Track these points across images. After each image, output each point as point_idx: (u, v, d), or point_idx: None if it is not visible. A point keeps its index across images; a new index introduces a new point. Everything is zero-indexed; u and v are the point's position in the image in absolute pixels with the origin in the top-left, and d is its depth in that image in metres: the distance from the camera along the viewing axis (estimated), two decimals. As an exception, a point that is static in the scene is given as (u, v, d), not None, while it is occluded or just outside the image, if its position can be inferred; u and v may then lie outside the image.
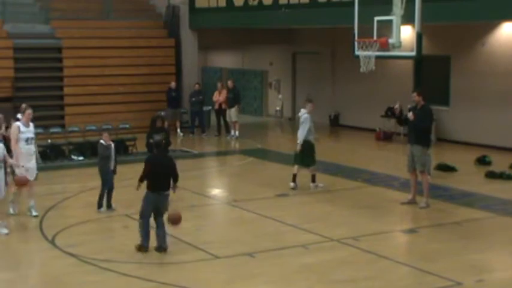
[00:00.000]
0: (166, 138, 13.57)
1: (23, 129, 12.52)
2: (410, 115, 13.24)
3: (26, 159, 12.48)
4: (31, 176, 12.58)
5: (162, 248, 10.63)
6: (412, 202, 13.43)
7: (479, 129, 19.96)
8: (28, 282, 9.82)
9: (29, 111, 12.72)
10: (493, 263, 10.53)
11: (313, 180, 15.04)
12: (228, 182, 16.69)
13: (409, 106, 14.69)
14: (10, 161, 11.93)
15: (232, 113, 22.19)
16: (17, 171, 12.28)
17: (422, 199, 13.32)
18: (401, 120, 16.65)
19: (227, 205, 14.00)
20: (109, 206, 13.12)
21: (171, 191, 10.84)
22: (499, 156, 17.92)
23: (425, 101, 13.30)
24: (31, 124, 12.75)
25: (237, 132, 22.12)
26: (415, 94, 13.31)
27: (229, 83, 22.87)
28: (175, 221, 10.63)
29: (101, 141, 13.15)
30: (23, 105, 13.07)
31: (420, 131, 13.18)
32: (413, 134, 13.32)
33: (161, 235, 10.67)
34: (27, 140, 12.50)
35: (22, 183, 12.07)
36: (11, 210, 12.62)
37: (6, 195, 12.14)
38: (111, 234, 11.76)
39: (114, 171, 13.11)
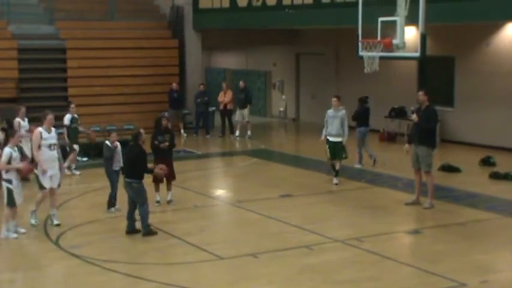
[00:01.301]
0: (171, 140, 13.53)
1: (45, 135, 12.06)
2: (414, 117, 13.24)
3: (50, 166, 12.03)
4: (54, 184, 12.16)
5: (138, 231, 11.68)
6: (416, 203, 13.42)
7: (484, 130, 19.92)
8: (32, 283, 9.82)
9: (51, 116, 12.22)
10: (498, 264, 10.51)
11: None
12: (232, 182, 16.68)
13: (412, 108, 14.69)
14: (17, 166, 11.57)
15: (244, 113, 22.39)
16: (41, 178, 11.99)
17: (426, 200, 13.31)
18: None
19: (231, 206, 14.00)
20: (113, 205, 13.14)
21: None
22: (503, 157, 17.89)
23: (430, 102, 13.28)
24: (53, 129, 12.30)
25: (249, 132, 22.32)
26: (421, 93, 13.24)
27: (241, 84, 23.06)
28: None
29: (106, 142, 13.16)
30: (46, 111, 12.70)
31: (425, 131, 13.15)
32: (418, 135, 13.28)
33: (141, 218, 11.60)
34: (50, 146, 12.05)
35: (27, 171, 11.89)
36: (33, 221, 12.15)
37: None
38: (115, 234, 11.76)
39: (122, 172, 13.12)
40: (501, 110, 19.46)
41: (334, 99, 15.68)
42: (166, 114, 22.68)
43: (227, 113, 22.82)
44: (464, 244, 11.15)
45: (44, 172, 11.92)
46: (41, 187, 12.09)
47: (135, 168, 11.66)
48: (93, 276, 9.85)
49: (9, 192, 11.43)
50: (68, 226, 12.23)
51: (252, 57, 29.07)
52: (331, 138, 15.34)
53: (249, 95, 22.92)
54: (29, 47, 21.99)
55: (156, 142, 13.37)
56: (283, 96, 27.26)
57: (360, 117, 17.45)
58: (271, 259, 10.43)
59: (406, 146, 13.67)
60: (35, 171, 12.00)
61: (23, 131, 15.47)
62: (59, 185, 12.37)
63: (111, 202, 13.13)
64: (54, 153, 12.15)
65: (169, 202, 13.57)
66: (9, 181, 11.45)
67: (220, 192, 15.58)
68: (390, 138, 21.50)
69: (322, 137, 15.61)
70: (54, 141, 12.16)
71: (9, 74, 21.26)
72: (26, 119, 16.03)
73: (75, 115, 16.92)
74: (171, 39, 24.39)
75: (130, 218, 11.70)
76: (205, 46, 25.45)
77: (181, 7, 24.61)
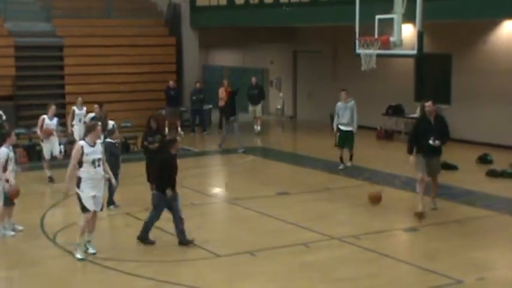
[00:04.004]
0: (161, 141, 13.21)
1: (88, 150, 10.17)
2: (437, 143, 12.30)
3: (93, 186, 10.25)
4: (98, 206, 10.43)
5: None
6: (424, 214, 12.51)
7: (481, 128, 19.93)
8: (29, 281, 9.81)
9: (99, 128, 10.51)
10: (494, 261, 10.53)
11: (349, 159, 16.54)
12: (229, 180, 16.67)
13: (416, 115, 14.27)
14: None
15: (257, 109, 22.82)
16: (83, 198, 10.27)
17: (431, 200, 12.87)
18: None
19: (228, 203, 14.00)
20: (112, 202, 13.13)
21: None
22: (500, 154, 17.89)
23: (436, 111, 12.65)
24: (98, 142, 10.47)
25: (258, 127, 22.76)
26: (429, 103, 12.42)
27: (253, 80, 23.38)
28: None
29: (112, 140, 13.10)
30: (92, 122, 11.21)
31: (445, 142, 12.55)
32: (431, 147, 12.34)
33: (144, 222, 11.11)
34: (93, 163, 10.20)
35: (14, 194, 11.27)
36: (79, 256, 10.31)
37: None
38: (112, 232, 11.77)
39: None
40: (498, 108, 19.48)
41: (343, 92, 16.43)
42: (163, 112, 22.86)
43: (227, 110, 22.85)
44: (461, 241, 11.17)
45: (66, 193, 10.62)
46: (84, 209, 10.32)
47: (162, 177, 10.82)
48: (91, 274, 9.85)
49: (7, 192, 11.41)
50: (65, 223, 12.22)
51: (249, 55, 29.06)
52: (342, 127, 16.28)
53: (262, 91, 23.45)
54: (26, 45, 21.97)
55: (145, 143, 13.22)
56: (281, 94, 27.25)
57: (230, 108, 19.51)
58: (269, 257, 10.43)
59: (412, 158, 12.64)
60: (77, 190, 10.28)
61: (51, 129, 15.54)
62: (102, 208, 10.70)
63: (111, 200, 13.12)
64: (100, 171, 10.34)
65: None
66: (7, 181, 11.42)
67: (217, 190, 15.58)
68: (387, 136, 21.51)
69: (335, 128, 16.45)
70: (99, 155, 10.34)
71: (5, 71, 21.24)
72: (55, 118, 15.83)
73: (102, 116, 16.56)
74: (168, 36, 24.38)
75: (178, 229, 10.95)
76: (203, 44, 25.44)
77: (179, 5, 24.62)
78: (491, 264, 10.32)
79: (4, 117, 16.67)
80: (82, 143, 10.31)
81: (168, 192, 10.74)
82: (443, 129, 12.53)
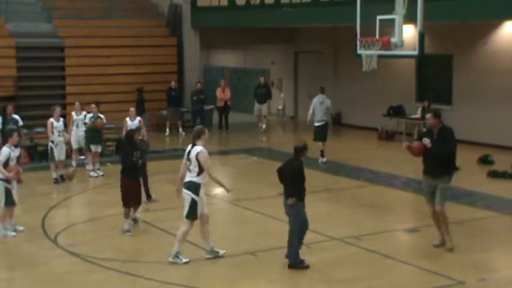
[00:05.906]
0: (142, 156, 12.38)
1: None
2: (427, 142, 10.56)
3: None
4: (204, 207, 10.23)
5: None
6: (443, 244, 11.06)
7: (482, 129, 19.92)
8: (30, 281, 9.82)
9: (207, 130, 10.29)
10: (495, 262, 10.53)
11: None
12: (231, 181, 16.65)
13: (423, 129, 13.67)
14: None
15: (263, 108, 23.34)
16: (199, 203, 10.01)
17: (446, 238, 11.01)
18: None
19: (230, 204, 14.00)
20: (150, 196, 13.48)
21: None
22: (501, 155, 17.88)
23: (442, 123, 10.90)
24: None
25: (263, 125, 23.30)
26: (429, 116, 10.97)
27: (261, 79, 23.85)
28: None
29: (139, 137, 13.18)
30: (198, 128, 10.33)
31: (444, 160, 10.65)
32: (435, 165, 10.68)
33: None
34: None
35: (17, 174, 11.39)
36: (184, 259, 10.15)
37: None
38: (113, 233, 11.76)
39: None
40: (499, 108, 19.47)
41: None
42: (164, 112, 22.91)
43: (226, 110, 23.00)
44: (462, 242, 11.14)
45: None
46: (195, 216, 10.09)
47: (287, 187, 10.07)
48: (92, 274, 9.85)
49: (8, 191, 11.42)
50: (66, 224, 12.23)
51: (250, 56, 29.07)
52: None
53: (269, 90, 23.97)
54: (27, 45, 21.98)
55: (134, 159, 11.87)
56: (282, 94, 27.27)
57: (139, 106, 20.84)
58: (270, 257, 10.43)
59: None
60: (195, 197, 9.98)
61: (55, 132, 15.51)
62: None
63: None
64: None
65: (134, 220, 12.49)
66: (8, 181, 11.43)
67: (218, 191, 15.53)
68: (388, 136, 21.50)
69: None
70: None
71: (7, 72, 21.25)
72: (62, 119, 15.86)
73: (99, 114, 16.57)
74: (169, 37, 24.39)
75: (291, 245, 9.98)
76: (204, 44, 25.45)
77: (180, 5, 24.62)
78: (492, 265, 10.32)
79: (21, 123, 16.51)
80: (205, 149, 9.90)
81: (291, 200, 9.88)
82: (445, 138, 10.66)
